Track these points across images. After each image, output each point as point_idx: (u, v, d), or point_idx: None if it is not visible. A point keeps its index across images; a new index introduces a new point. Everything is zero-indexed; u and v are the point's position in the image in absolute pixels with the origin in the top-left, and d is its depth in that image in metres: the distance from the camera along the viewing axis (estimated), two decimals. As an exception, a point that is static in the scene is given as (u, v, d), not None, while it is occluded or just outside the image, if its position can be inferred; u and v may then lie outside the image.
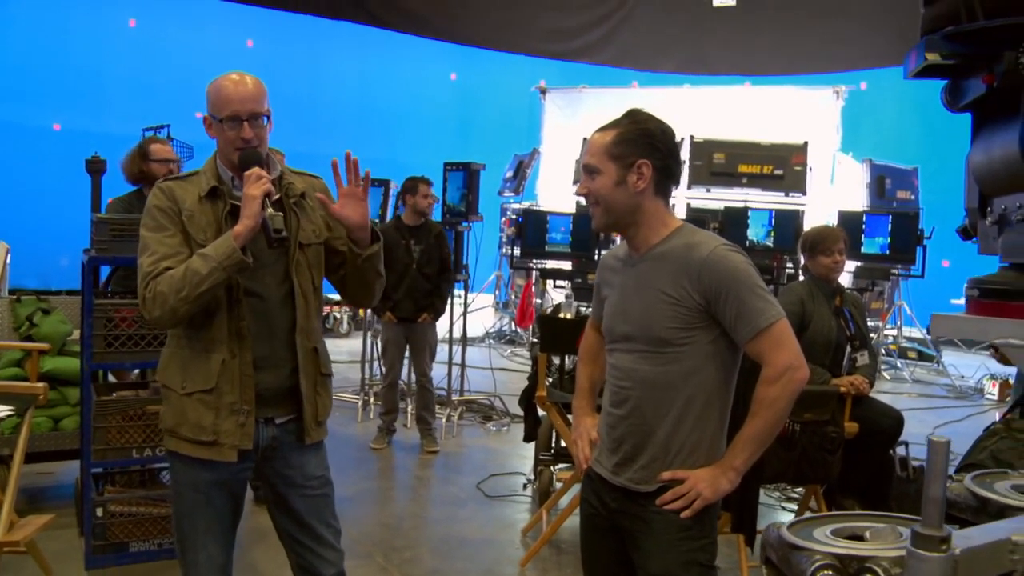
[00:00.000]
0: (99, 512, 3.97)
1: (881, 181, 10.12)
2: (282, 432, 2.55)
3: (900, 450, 4.53)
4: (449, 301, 6.47)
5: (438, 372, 7.24)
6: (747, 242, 7.20)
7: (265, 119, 2.49)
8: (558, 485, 4.94)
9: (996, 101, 2.33)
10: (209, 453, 2.46)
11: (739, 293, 2.17)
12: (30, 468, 4.87)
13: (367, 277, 2.63)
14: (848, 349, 4.33)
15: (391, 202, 7.92)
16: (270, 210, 2.40)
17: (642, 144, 2.25)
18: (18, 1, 11.37)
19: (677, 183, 2.35)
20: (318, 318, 2.64)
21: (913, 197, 10.50)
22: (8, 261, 7.68)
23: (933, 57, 2.40)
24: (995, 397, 8.62)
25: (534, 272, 8.57)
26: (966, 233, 2.70)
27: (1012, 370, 6.88)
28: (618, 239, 2.53)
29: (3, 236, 8.79)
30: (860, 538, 1.67)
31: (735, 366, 2.31)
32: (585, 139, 10.37)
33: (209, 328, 2.43)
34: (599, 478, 2.39)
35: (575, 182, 10.30)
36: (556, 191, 11.74)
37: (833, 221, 8.51)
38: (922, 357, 10.19)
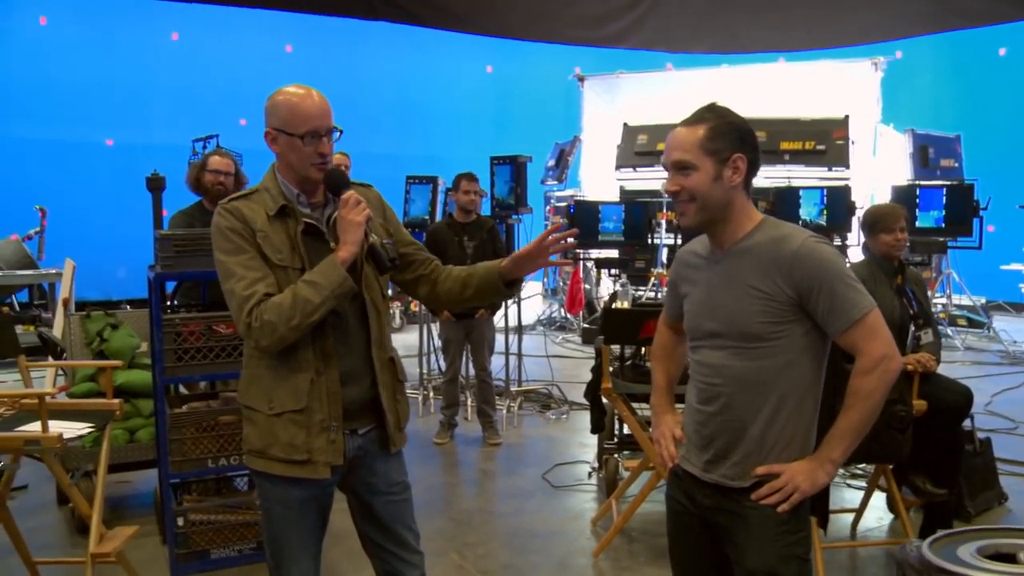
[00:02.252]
0: (180, 521, 3.99)
1: (924, 151, 9.88)
2: (366, 442, 2.53)
3: (966, 423, 4.41)
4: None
5: (495, 363, 7.22)
6: (800, 221, 7.06)
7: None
8: (625, 473, 4.89)
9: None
10: (303, 471, 2.42)
11: (832, 285, 2.11)
12: (109, 478, 4.90)
13: (484, 302, 2.79)
14: (912, 328, 4.20)
15: (440, 199, 7.86)
16: (374, 236, 2.40)
17: (734, 138, 2.19)
18: (64, 24, 11.50)
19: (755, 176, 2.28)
20: (389, 326, 2.61)
21: (957, 165, 10.26)
22: (57, 279, 7.81)
23: None
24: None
25: (582, 260, 8.51)
26: None
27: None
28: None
29: (65, 250, 8.94)
30: (1011, 558, 1.57)
31: (825, 357, 2.24)
32: (625, 124, 10.37)
33: (295, 348, 2.37)
34: (688, 475, 2.34)
35: (618, 167, 10.20)
36: (599, 178, 11.64)
37: (880, 194, 8.34)
38: (972, 324, 9.97)
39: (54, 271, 8.92)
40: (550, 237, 2.53)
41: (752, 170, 2.23)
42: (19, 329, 7.98)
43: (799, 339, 2.17)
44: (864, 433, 2.18)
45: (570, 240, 2.57)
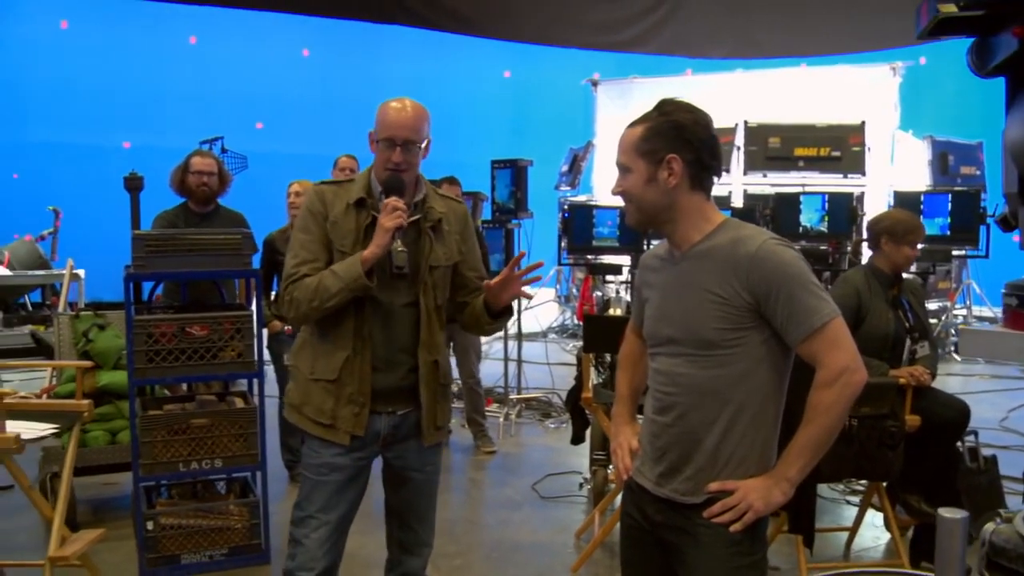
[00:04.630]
0: (150, 525, 3.92)
1: (944, 158, 9.64)
2: (403, 423, 2.74)
3: (969, 439, 4.23)
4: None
5: (496, 370, 7.10)
6: (800, 228, 6.88)
7: (420, 147, 2.65)
8: (612, 486, 4.75)
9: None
10: (326, 434, 2.68)
11: (791, 290, 1.99)
12: (95, 480, 4.89)
13: (482, 328, 2.89)
14: (908, 341, 4.03)
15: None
16: (397, 243, 2.59)
17: (671, 137, 2.08)
18: (84, 28, 11.59)
19: (718, 175, 2.16)
20: (442, 332, 2.81)
21: (979, 172, 10.00)
22: (74, 280, 7.81)
23: (948, 9, 1.99)
24: (1072, 376, 8.14)
25: (583, 267, 8.38)
26: (1006, 223, 2.29)
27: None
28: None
29: (87, 252, 8.99)
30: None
31: (787, 369, 2.12)
32: (634, 131, 10.22)
33: (338, 327, 2.64)
34: (641, 489, 2.23)
35: (629, 174, 10.06)
36: (611, 184, 11.47)
37: (889, 202, 8.14)
38: (993, 337, 9.69)
39: (64, 272, 8.94)
40: (517, 270, 2.71)
41: (699, 170, 2.10)
42: (27, 329, 8.04)
43: (757, 347, 2.05)
44: (824, 450, 2.05)
45: (536, 274, 2.72)
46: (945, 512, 1.02)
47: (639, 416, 2.38)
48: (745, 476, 2.07)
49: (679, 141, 2.08)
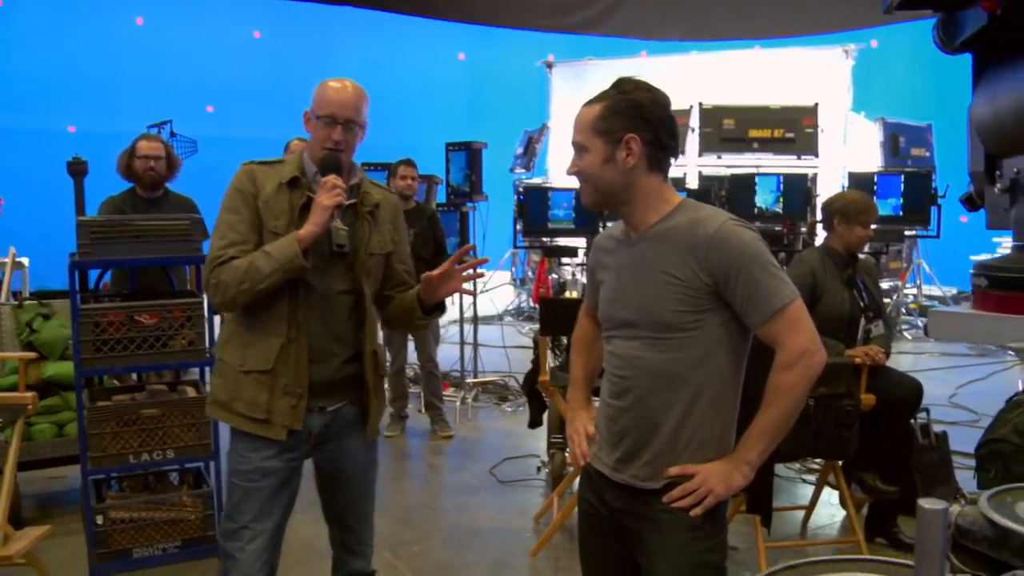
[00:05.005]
0: (100, 520, 3.82)
1: (895, 139, 9.76)
2: (333, 419, 2.62)
3: (922, 416, 4.28)
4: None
5: (452, 354, 7.06)
6: (755, 209, 6.91)
7: (360, 128, 2.58)
8: (570, 469, 4.74)
9: (1001, 35, 1.88)
10: (260, 429, 2.52)
11: (750, 272, 1.96)
12: (41, 474, 4.76)
13: (410, 324, 2.77)
14: (862, 321, 4.06)
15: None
16: (337, 222, 2.50)
17: (630, 116, 2.03)
18: (25, 6, 11.23)
19: (675, 155, 2.12)
20: (378, 322, 2.76)
21: (928, 154, 10.14)
22: (17, 269, 7.59)
23: None
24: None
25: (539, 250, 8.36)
26: (971, 203, 2.25)
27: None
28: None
29: (29, 240, 8.72)
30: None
31: (746, 351, 2.10)
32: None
33: (270, 312, 2.51)
34: (599, 475, 2.19)
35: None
36: (567, 165, 11.45)
37: (844, 183, 8.20)
38: (942, 315, 9.84)
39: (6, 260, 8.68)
40: (460, 263, 2.62)
41: (657, 150, 2.06)
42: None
43: (716, 330, 2.02)
44: (784, 432, 2.03)
45: (480, 270, 2.69)
46: (925, 503, 0.99)
47: (595, 399, 2.36)
48: (704, 460, 2.05)
49: (637, 120, 2.03)
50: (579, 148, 2.10)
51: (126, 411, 3.84)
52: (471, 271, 2.65)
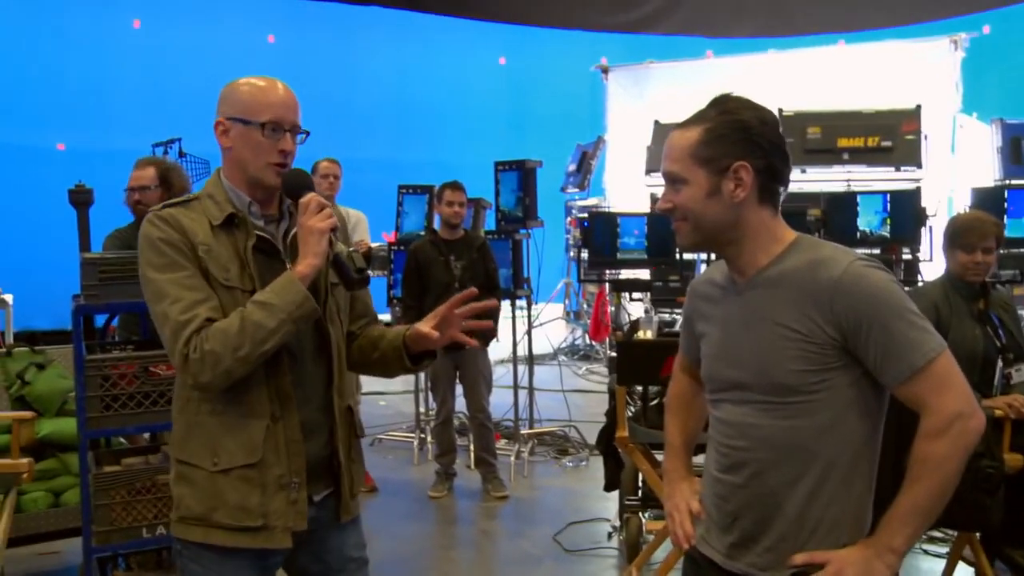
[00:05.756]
0: (107, 604, 3.78)
1: (1016, 144, 9.50)
2: (319, 511, 2.39)
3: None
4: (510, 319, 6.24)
5: (503, 400, 6.99)
6: (858, 233, 6.77)
7: (302, 137, 2.37)
8: (650, 537, 4.64)
9: None
10: (256, 541, 2.26)
11: (886, 322, 1.90)
12: (31, 550, 4.72)
13: (388, 369, 2.53)
14: (1000, 363, 3.94)
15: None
16: (340, 245, 2.28)
17: (738, 140, 1.99)
18: (7, 10, 11.37)
19: (786, 185, 2.07)
20: (347, 373, 2.48)
21: (1061, 159, 9.90)
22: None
23: None
24: None
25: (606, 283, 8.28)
26: None
27: None
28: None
29: (13, 273, 8.77)
30: None
31: (882, 414, 2.03)
32: (657, 122, 10.16)
33: (246, 389, 2.23)
34: (708, 562, 2.14)
35: (648, 172, 9.97)
36: (626, 184, 11.46)
37: (958, 199, 8.00)
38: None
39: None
40: (462, 308, 2.41)
41: (769, 179, 2.01)
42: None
43: (845, 391, 1.97)
44: (936, 513, 1.95)
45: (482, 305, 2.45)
46: None
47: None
48: (837, 545, 1.99)
49: (747, 145, 1.99)
50: (675, 180, 2.05)
51: (139, 477, 3.80)
52: (476, 318, 2.44)
